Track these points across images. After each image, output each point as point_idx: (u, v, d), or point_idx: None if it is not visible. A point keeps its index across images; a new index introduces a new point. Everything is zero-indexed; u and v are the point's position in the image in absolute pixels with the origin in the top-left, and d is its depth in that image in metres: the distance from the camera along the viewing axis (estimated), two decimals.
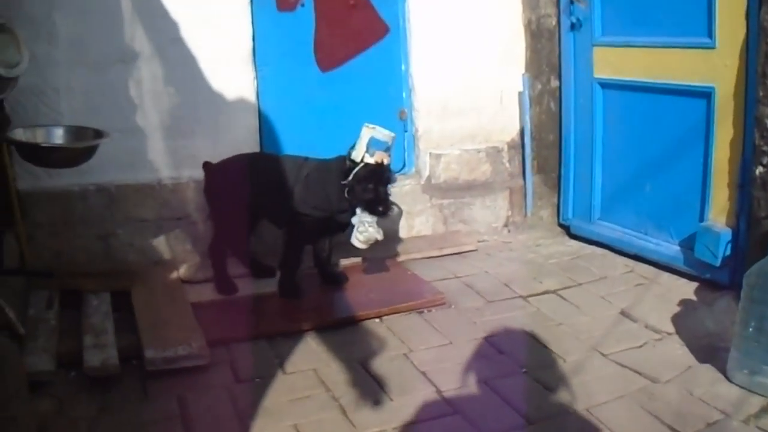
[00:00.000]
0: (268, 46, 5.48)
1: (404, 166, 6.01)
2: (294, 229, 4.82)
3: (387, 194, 4.70)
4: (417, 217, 5.82)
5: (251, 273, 5.16)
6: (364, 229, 4.68)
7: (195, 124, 5.29)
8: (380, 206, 4.64)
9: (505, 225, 6.00)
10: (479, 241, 5.82)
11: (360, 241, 4.72)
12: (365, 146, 4.64)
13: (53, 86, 5.01)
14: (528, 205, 6.06)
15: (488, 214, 5.96)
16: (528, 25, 5.95)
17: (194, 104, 5.28)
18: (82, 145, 4.26)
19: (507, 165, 6.08)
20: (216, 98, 5.32)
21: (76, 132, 4.42)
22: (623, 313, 4.58)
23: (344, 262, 5.35)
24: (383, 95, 5.87)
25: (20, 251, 4.94)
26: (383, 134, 4.68)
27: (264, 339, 4.40)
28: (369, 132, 4.65)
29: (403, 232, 5.80)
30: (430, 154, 5.88)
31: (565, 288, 4.99)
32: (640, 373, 3.92)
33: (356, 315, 4.62)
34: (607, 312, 4.63)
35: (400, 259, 5.47)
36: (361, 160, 4.62)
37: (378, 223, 4.74)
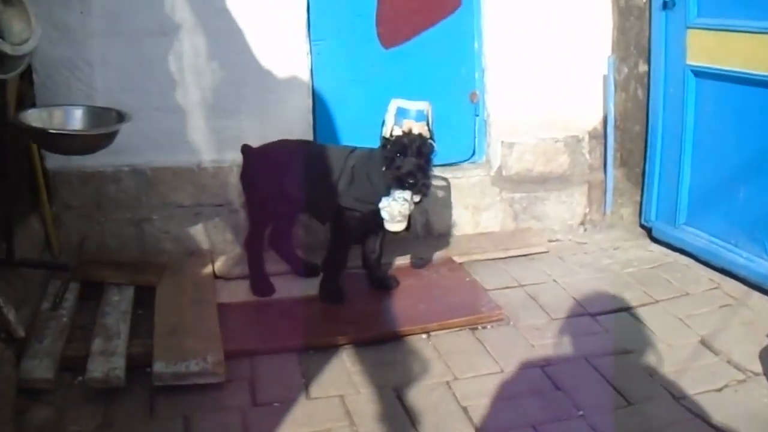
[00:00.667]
0: (324, 18, 4.98)
1: (474, 154, 5.40)
2: (339, 226, 4.32)
3: (419, 166, 4.03)
4: (484, 212, 5.25)
5: (294, 271, 4.68)
6: (386, 203, 4.07)
7: (240, 103, 4.85)
8: (409, 178, 3.99)
9: (582, 223, 5.38)
10: (551, 241, 5.21)
11: (386, 220, 4.11)
12: (392, 119, 4.10)
13: (86, 59, 4.64)
14: (608, 202, 5.40)
15: (563, 210, 5.35)
16: (616, 1, 5.25)
17: (240, 81, 4.83)
18: (96, 132, 3.87)
19: (587, 156, 5.44)
20: (264, 75, 4.86)
21: (97, 114, 4.05)
22: (703, 342, 3.94)
23: (398, 262, 4.82)
24: (453, 75, 5.27)
25: (45, 235, 4.63)
26: (412, 105, 4.10)
27: (294, 352, 3.93)
28: (395, 104, 4.11)
29: (468, 228, 5.25)
30: (502, 142, 5.27)
31: (640, 305, 4.34)
32: (716, 429, 3.28)
33: (400, 330, 4.12)
34: (685, 339, 3.99)
35: (461, 260, 4.91)
36: (391, 135, 4.09)
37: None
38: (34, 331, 3.84)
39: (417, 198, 4.10)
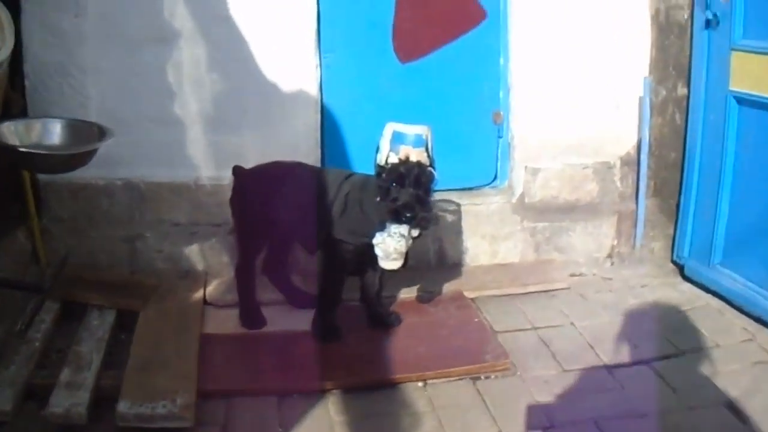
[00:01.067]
0: (335, 28, 4.63)
1: (495, 178, 5.01)
2: (330, 257, 3.96)
3: (416, 197, 3.64)
4: (503, 242, 4.84)
5: (289, 301, 4.34)
6: (381, 239, 3.70)
7: (242, 117, 4.54)
8: (406, 211, 3.60)
9: (609, 256, 4.93)
10: (574, 275, 4.77)
11: (380, 257, 3.74)
12: (388, 145, 3.70)
13: (80, 66, 4.38)
14: (638, 234, 4.93)
15: (590, 242, 4.91)
16: (656, 17, 4.78)
17: (242, 94, 4.52)
18: (70, 152, 3.54)
19: (618, 184, 4.97)
20: (269, 88, 4.53)
21: (78, 128, 3.71)
22: (731, 406, 3.45)
23: (404, 295, 4.44)
24: (475, 94, 4.88)
25: (33, 250, 4.39)
26: (410, 129, 3.70)
27: (275, 395, 3.60)
28: (390, 128, 3.71)
29: (485, 258, 4.84)
30: (526, 167, 4.85)
31: (663, 358, 3.88)
32: None
33: (394, 376, 3.74)
34: (710, 402, 3.51)
35: (473, 295, 4.50)
36: (386, 162, 3.70)
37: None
38: (2, 355, 3.59)
39: (415, 232, 3.71)
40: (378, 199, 3.68)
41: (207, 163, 4.52)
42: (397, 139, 3.70)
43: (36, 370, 3.65)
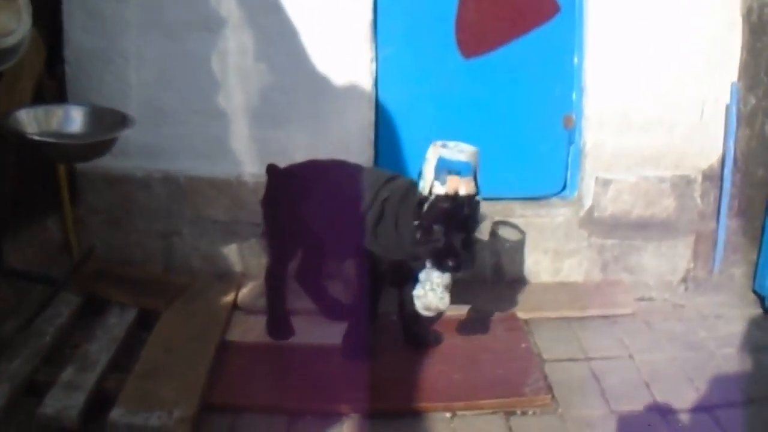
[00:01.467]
0: (393, 20, 4.27)
1: (564, 188, 4.57)
2: (363, 268, 3.62)
3: (466, 241, 3.28)
4: (567, 259, 4.44)
5: (321, 312, 4.04)
6: (423, 293, 3.37)
7: (290, 111, 4.24)
8: (450, 259, 3.25)
9: (683, 280, 4.45)
10: (643, 299, 4.32)
11: (419, 308, 3.44)
12: (432, 171, 3.27)
13: (122, 53, 4.17)
14: (717, 258, 4.45)
15: (663, 263, 4.45)
16: (747, 16, 4.24)
17: (291, 87, 4.22)
18: (84, 142, 3.42)
19: (698, 201, 4.46)
20: (320, 82, 4.22)
21: (100, 115, 3.55)
22: None
23: (450, 312, 3.90)
24: (545, 95, 4.43)
25: (66, 240, 4.25)
26: (459, 153, 3.28)
27: (286, 415, 3.35)
28: (436, 151, 3.28)
29: (546, 276, 4.46)
30: (597, 178, 4.39)
31: (729, 406, 3.43)
32: None
33: (420, 404, 3.43)
34: None
35: (528, 315, 4.14)
36: (430, 192, 3.27)
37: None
38: (11, 348, 3.48)
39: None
40: (418, 235, 3.28)
41: (250, 158, 4.24)
42: (443, 164, 3.26)
43: (42, 366, 3.53)
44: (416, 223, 3.29)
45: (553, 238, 4.43)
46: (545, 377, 3.65)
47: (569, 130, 4.48)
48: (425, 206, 3.27)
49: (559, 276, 4.48)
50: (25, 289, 3.82)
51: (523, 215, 4.43)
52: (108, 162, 4.08)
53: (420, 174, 3.33)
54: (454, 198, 3.23)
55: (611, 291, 4.41)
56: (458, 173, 3.27)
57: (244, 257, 4.32)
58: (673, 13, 4.27)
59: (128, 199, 4.32)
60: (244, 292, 4.22)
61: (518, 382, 3.59)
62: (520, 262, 4.44)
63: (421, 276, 3.43)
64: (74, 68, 4.19)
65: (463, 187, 3.25)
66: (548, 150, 4.50)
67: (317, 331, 3.95)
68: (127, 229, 4.35)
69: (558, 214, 4.47)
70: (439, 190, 3.24)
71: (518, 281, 4.45)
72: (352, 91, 4.25)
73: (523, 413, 3.44)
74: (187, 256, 4.37)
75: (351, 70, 4.25)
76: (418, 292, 3.40)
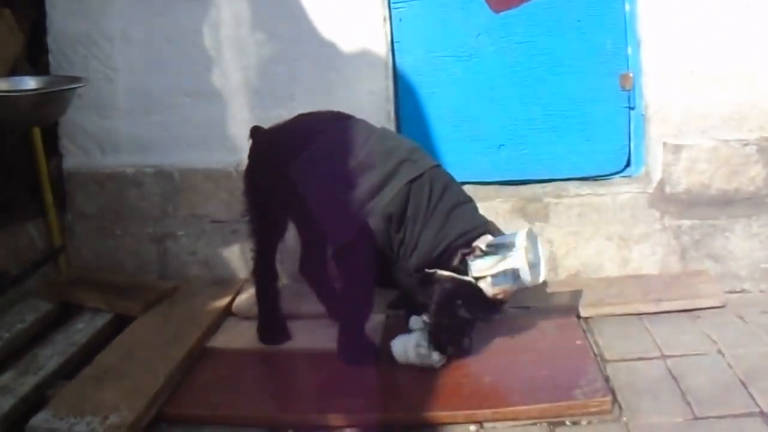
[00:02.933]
0: None
1: (628, 164, 3.72)
2: (352, 249, 2.91)
3: (463, 329, 2.86)
4: (636, 246, 3.60)
5: (328, 314, 3.33)
6: (426, 352, 2.84)
7: (293, 86, 3.68)
8: (451, 346, 2.87)
9: None
10: (733, 292, 3.44)
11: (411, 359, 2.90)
12: (499, 272, 2.72)
13: (106, 34, 3.75)
14: None
15: (755, 247, 3.54)
16: None
17: (293, 58, 3.67)
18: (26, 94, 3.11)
19: None
20: (326, 49, 3.65)
21: (57, 80, 3.28)
22: None
23: None
24: (594, 51, 3.67)
25: (51, 246, 3.75)
26: (532, 274, 2.72)
27: (263, 428, 2.68)
28: (520, 260, 2.70)
29: (611, 268, 3.63)
30: (665, 144, 3.54)
31: None
32: None
33: (434, 414, 2.66)
34: None
35: (589, 313, 3.29)
36: (476, 278, 2.76)
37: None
38: None
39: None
40: (436, 304, 2.78)
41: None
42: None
43: None
44: (430, 271, 2.78)
45: (617, 221, 3.60)
46: (605, 378, 2.80)
47: (627, 91, 3.66)
48: (460, 282, 2.74)
49: (628, 267, 3.62)
50: None
51: (578, 194, 3.61)
52: (97, 160, 3.74)
53: (486, 254, 2.74)
54: (492, 300, 2.76)
55: (693, 282, 3.51)
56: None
57: (248, 261, 3.51)
58: None
59: (119, 201, 3.83)
60: (242, 297, 3.61)
61: (568, 384, 2.76)
62: (579, 252, 3.61)
63: (413, 323, 2.92)
64: (57, 57, 3.78)
65: (507, 295, 2.79)
66: (604, 118, 3.70)
67: (319, 336, 3.21)
68: (118, 235, 3.85)
69: (621, 191, 3.62)
70: (486, 288, 2.73)
71: (577, 275, 3.63)
72: (363, 57, 3.67)
73: (575, 423, 2.63)
74: (183, 263, 3.82)
75: (361, 33, 3.68)
76: (421, 350, 2.83)
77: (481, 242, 2.79)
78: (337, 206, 2.92)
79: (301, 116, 3.15)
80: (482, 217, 2.95)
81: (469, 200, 2.97)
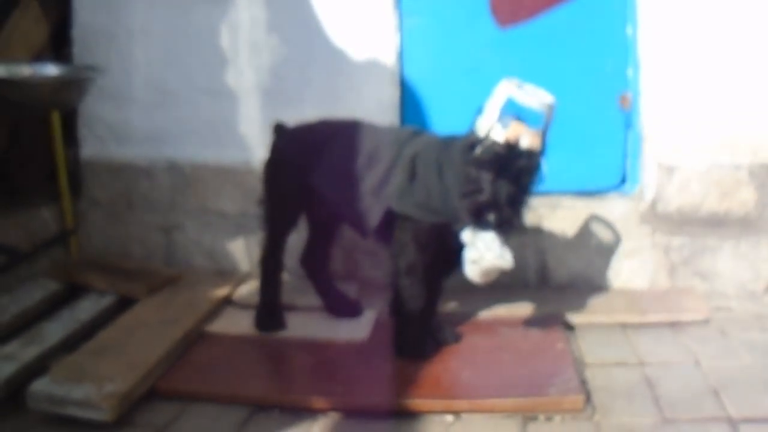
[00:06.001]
0: None
1: (623, 181, 3.71)
2: (401, 244, 2.88)
3: (514, 198, 2.69)
4: (627, 260, 3.59)
5: (325, 307, 3.35)
6: (478, 255, 2.71)
7: (304, 88, 3.69)
8: (491, 213, 2.65)
9: None
10: (717, 309, 3.37)
11: (475, 273, 2.76)
12: (497, 111, 2.66)
13: (127, 29, 3.79)
14: None
15: (743, 268, 3.53)
16: None
17: (305, 62, 3.69)
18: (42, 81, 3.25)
19: None
20: (337, 55, 3.68)
21: (75, 69, 3.45)
22: None
23: (483, 315, 3.30)
24: (595, 71, 3.66)
25: (64, 231, 3.80)
26: (533, 98, 2.69)
27: (247, 406, 2.67)
28: (506, 90, 2.68)
29: (600, 280, 3.62)
30: (659, 164, 3.56)
31: None
32: None
33: (411, 402, 2.65)
34: None
35: (573, 320, 3.28)
36: (487, 136, 2.68)
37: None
38: None
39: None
40: (467, 181, 2.68)
41: (261, 142, 3.57)
42: (510, 107, 2.69)
43: None
44: (465, 173, 2.68)
45: (609, 235, 3.59)
46: (581, 380, 2.78)
47: (626, 110, 3.65)
48: (477, 150, 2.65)
49: (617, 281, 3.62)
50: None
51: (573, 207, 3.61)
52: (113, 150, 3.79)
53: (479, 111, 2.71)
54: (512, 146, 2.62)
55: (679, 298, 3.48)
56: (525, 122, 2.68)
57: (252, 254, 3.69)
58: None
59: (130, 190, 3.88)
60: (244, 288, 3.63)
61: (544, 382, 2.76)
62: (571, 263, 3.61)
63: (465, 237, 2.75)
64: (80, 49, 3.84)
65: (526, 137, 2.64)
66: (602, 135, 3.69)
67: (313, 327, 3.25)
68: (128, 222, 3.88)
69: (615, 206, 3.61)
70: (499, 134, 2.63)
71: (567, 286, 3.62)
72: (372, 65, 3.68)
73: (548, 419, 2.63)
74: (189, 253, 3.85)
75: (371, 42, 3.70)
76: (471, 255, 2.72)
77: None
78: (358, 200, 2.94)
79: (324, 120, 3.18)
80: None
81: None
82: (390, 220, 2.91)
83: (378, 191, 2.90)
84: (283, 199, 3.20)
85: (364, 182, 2.94)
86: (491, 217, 2.68)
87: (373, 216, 2.93)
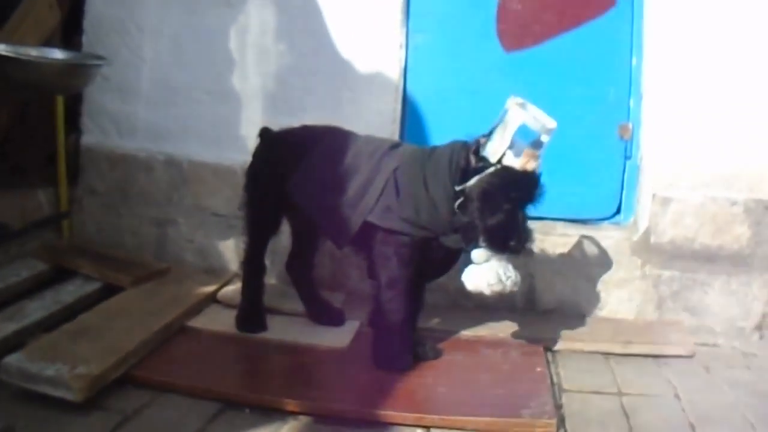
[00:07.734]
0: (428, 4, 3.65)
1: (618, 212, 3.66)
2: (385, 256, 2.82)
3: (525, 225, 2.69)
4: (616, 290, 3.51)
5: (307, 314, 3.29)
6: (496, 279, 2.67)
7: (306, 97, 3.67)
8: (514, 240, 2.64)
9: (758, 328, 3.42)
10: (702, 345, 3.29)
11: (487, 291, 2.73)
12: (510, 137, 2.61)
13: (139, 24, 3.77)
14: None
15: (733, 304, 3.44)
16: None
17: (309, 70, 3.66)
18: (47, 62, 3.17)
19: None
20: (341, 66, 3.64)
21: (83, 56, 3.46)
22: None
23: (466, 333, 3.24)
24: (597, 99, 3.63)
25: (57, 214, 3.78)
26: (537, 123, 2.63)
27: (218, 402, 2.61)
28: (520, 114, 2.62)
29: (588, 308, 3.53)
30: (654, 196, 3.47)
31: None
32: None
33: (383, 412, 2.58)
34: None
35: (556, 346, 3.20)
36: (499, 161, 2.63)
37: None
38: None
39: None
40: (484, 207, 2.63)
41: None
42: (521, 133, 2.65)
43: None
44: (458, 189, 2.66)
45: (599, 263, 3.51)
46: (556, 405, 2.72)
47: (626, 140, 3.61)
48: (486, 174, 2.61)
49: (604, 310, 3.53)
50: None
51: (565, 234, 3.54)
52: (113, 141, 3.78)
53: (489, 133, 2.66)
54: (527, 173, 2.61)
55: (665, 331, 3.38)
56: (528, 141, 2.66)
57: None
58: (747, 6, 3.36)
59: (128, 182, 3.85)
60: (229, 288, 3.55)
61: (518, 404, 2.68)
62: (559, 290, 3.53)
63: (477, 257, 2.72)
64: (91, 38, 3.83)
65: (533, 162, 2.62)
66: (600, 164, 3.66)
67: (295, 333, 3.17)
68: (122, 213, 3.84)
69: (608, 236, 3.54)
70: (511, 162, 2.60)
71: (554, 312, 3.54)
72: (375, 79, 3.65)
73: None
74: (180, 249, 3.80)
75: (376, 56, 3.66)
76: (489, 278, 2.70)
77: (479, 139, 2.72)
78: (334, 211, 2.88)
79: (306, 126, 3.14)
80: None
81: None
82: (368, 231, 2.85)
83: (355, 203, 2.85)
84: (262, 204, 3.15)
85: (341, 193, 2.88)
86: (512, 243, 2.66)
87: (350, 228, 2.87)
